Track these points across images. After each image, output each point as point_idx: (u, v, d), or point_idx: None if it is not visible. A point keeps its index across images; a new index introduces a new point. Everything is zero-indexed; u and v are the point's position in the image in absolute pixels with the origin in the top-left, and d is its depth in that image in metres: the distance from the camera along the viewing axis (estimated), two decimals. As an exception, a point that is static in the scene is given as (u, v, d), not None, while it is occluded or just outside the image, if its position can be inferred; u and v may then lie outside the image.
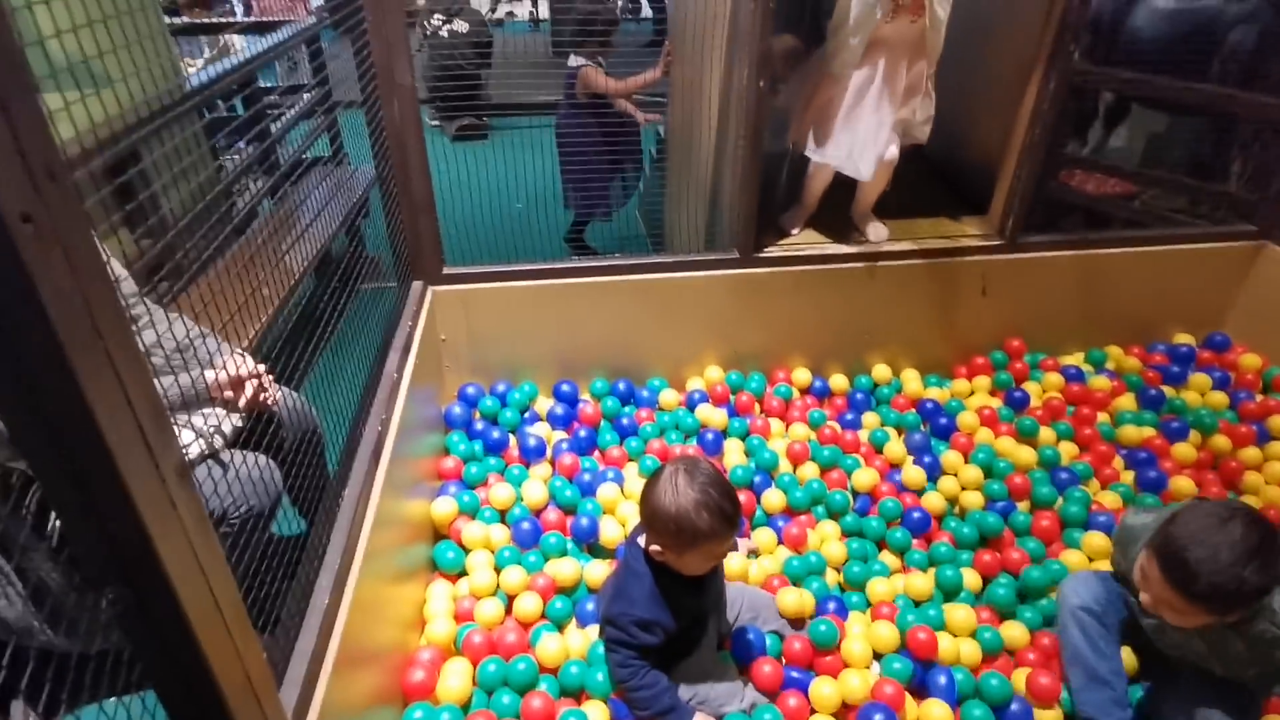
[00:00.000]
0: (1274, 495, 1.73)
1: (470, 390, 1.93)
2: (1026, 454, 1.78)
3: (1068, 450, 1.84)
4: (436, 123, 4.39)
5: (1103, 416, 1.95)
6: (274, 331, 1.95)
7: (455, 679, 1.25)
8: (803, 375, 2.08)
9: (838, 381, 2.08)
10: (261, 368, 1.25)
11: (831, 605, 1.43)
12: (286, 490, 1.31)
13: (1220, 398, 1.99)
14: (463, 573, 1.51)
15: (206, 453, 1.17)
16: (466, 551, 1.53)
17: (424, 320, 1.72)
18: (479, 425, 1.85)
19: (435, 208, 1.74)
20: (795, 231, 2.04)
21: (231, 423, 1.22)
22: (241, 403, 1.21)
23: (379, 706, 1.17)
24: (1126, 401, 2.00)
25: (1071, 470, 1.75)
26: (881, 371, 2.11)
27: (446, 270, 1.83)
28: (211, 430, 1.18)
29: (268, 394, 1.24)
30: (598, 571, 1.51)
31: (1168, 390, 2.03)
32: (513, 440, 1.83)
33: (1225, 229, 2.17)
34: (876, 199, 2.02)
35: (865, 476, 1.73)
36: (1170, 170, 2.91)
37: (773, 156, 2.42)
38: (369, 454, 1.24)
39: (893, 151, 1.81)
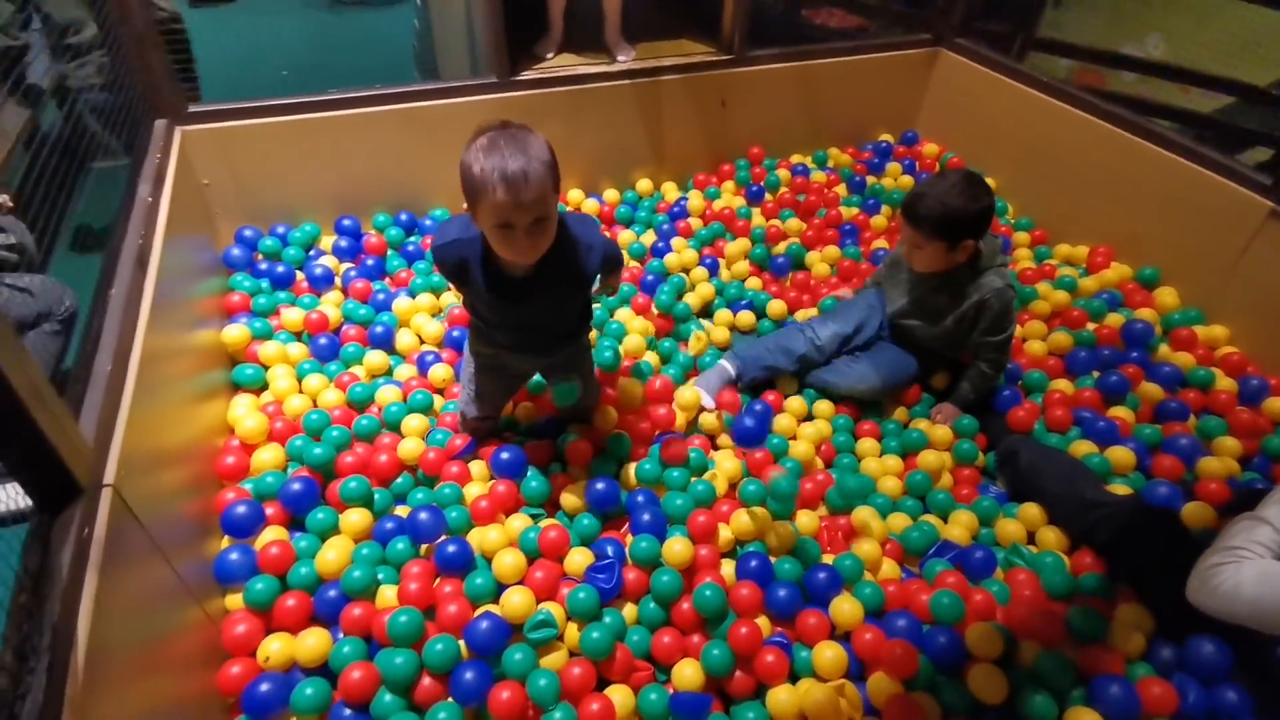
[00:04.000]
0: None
1: (248, 233, 1.93)
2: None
3: (795, 227, 2.24)
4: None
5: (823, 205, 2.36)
6: None
7: (268, 454, 1.40)
8: (576, 195, 2.28)
9: (610, 196, 2.31)
10: None
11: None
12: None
13: (908, 180, 2.48)
14: (264, 387, 1.62)
15: None
16: (266, 369, 1.63)
17: (175, 162, 1.69)
18: (263, 265, 1.89)
19: (161, 38, 1.67)
20: (549, 56, 2.17)
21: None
22: None
23: (196, 491, 1.30)
24: (841, 190, 2.42)
25: (790, 249, 2.15)
26: (644, 185, 2.37)
27: (194, 108, 1.79)
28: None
29: None
30: (404, 370, 1.68)
31: (870, 179, 2.48)
32: (299, 275, 1.89)
33: (909, 38, 2.59)
34: (620, 20, 2.19)
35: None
36: (893, 2, 3.34)
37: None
38: (124, 295, 1.20)
39: None
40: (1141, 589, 1.28)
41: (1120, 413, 1.67)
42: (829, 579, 1.27)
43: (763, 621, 1.23)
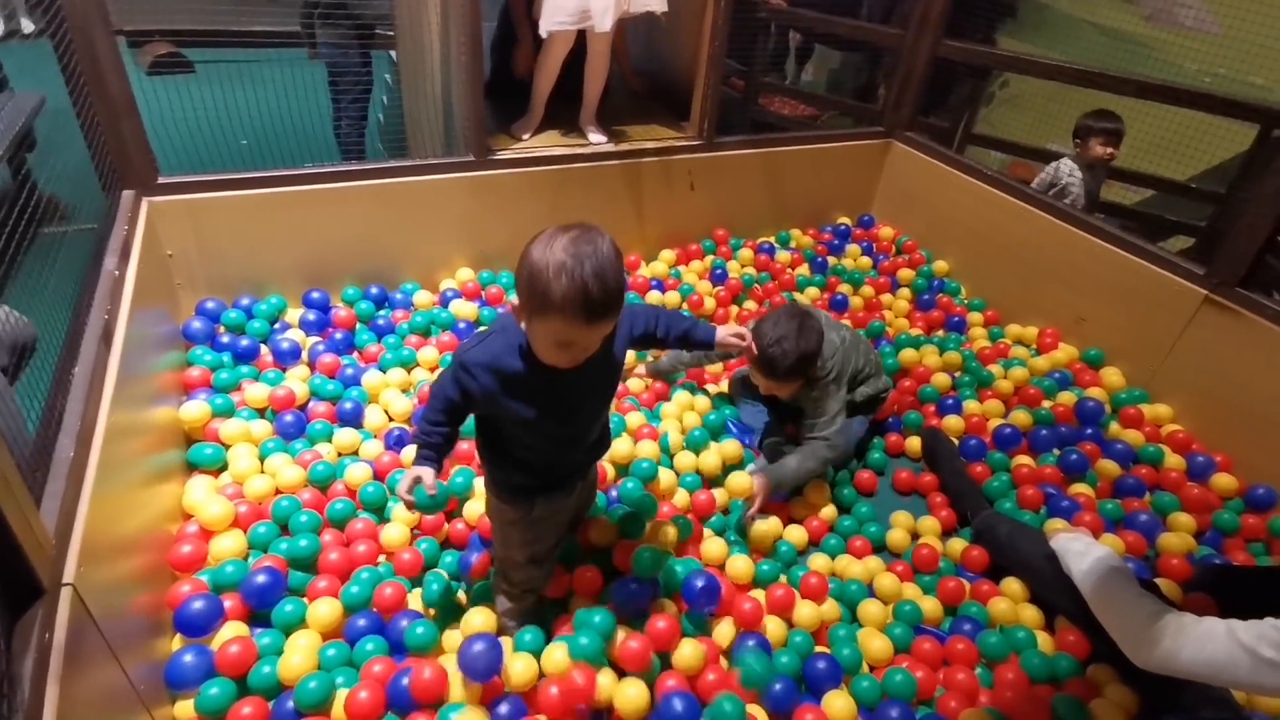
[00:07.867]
0: (901, 324, 2.34)
1: (210, 305, 1.87)
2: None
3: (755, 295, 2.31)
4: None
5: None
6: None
7: (228, 540, 1.31)
8: (548, 270, 2.30)
9: (580, 273, 2.34)
10: None
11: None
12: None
13: (866, 261, 2.59)
14: (223, 468, 1.53)
15: None
16: (226, 448, 1.55)
17: (141, 233, 1.64)
18: (225, 339, 1.82)
19: (137, 108, 1.64)
20: (526, 137, 2.23)
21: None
22: None
23: (148, 583, 1.20)
24: (804, 270, 2.52)
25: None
26: (616, 262, 2.40)
27: (162, 179, 1.75)
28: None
29: None
30: (372, 448, 1.61)
31: (831, 259, 2.59)
32: (264, 349, 1.83)
33: (864, 130, 2.76)
34: (597, 105, 2.27)
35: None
36: (843, 95, 3.59)
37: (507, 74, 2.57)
38: (88, 373, 1.14)
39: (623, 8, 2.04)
40: (1122, 665, 1.30)
41: (1081, 489, 1.73)
42: (828, 669, 1.25)
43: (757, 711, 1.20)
